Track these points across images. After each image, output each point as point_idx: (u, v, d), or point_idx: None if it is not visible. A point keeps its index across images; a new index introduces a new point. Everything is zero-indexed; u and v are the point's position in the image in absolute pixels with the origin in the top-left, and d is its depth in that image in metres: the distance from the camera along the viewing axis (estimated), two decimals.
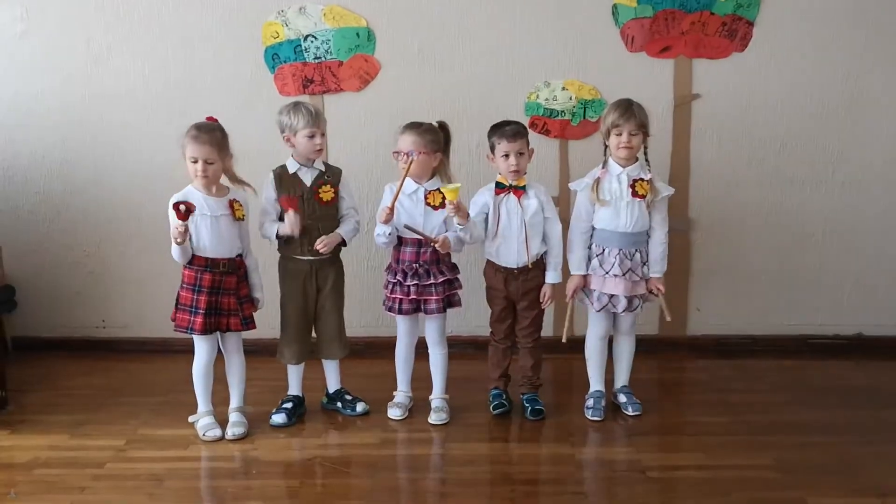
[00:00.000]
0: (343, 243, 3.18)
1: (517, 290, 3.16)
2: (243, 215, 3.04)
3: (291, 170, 3.11)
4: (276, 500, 2.63)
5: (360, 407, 3.25)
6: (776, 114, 3.77)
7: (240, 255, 3.05)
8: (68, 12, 3.74)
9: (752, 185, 3.83)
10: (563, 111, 3.78)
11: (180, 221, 2.83)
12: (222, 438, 3.04)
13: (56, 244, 3.97)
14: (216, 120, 3.02)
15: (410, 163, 2.99)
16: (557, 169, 3.80)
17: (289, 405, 3.22)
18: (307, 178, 3.12)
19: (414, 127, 3.06)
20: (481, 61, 3.75)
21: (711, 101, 3.75)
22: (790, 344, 3.93)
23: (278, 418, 3.16)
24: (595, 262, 3.13)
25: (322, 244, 3.09)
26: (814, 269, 3.91)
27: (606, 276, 3.10)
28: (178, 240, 2.85)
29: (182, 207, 2.83)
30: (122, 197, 3.87)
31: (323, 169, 3.16)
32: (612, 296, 3.12)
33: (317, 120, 3.07)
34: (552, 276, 3.15)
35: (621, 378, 3.29)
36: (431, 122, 3.12)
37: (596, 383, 3.26)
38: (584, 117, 3.76)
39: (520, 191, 3.12)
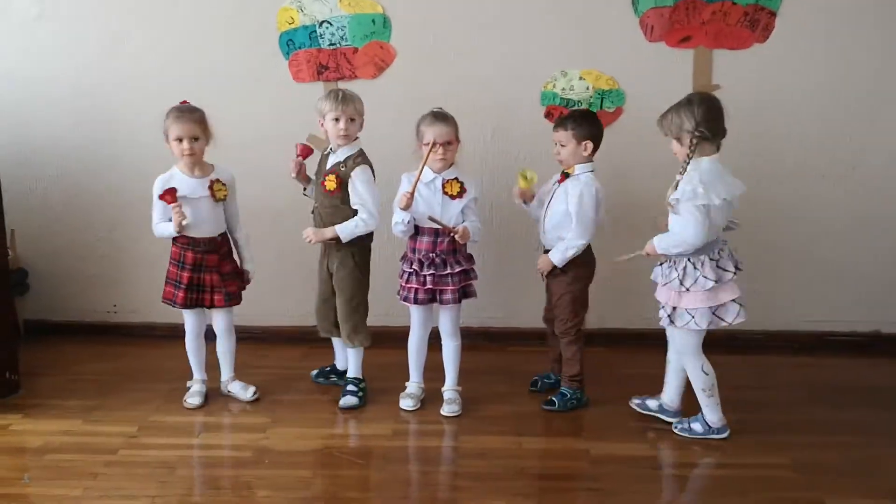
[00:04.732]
0: (339, 239, 3.14)
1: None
2: (225, 195, 3.12)
3: (327, 150, 3.20)
4: (287, 489, 2.62)
5: (344, 400, 3.22)
6: (797, 106, 3.71)
7: (223, 234, 3.15)
8: None
9: (771, 178, 3.77)
10: (579, 101, 3.73)
11: (172, 205, 3.00)
12: (201, 406, 3.22)
13: (69, 228, 3.96)
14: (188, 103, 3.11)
15: (431, 148, 3.00)
16: None
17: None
18: (329, 161, 3.15)
19: (442, 117, 3.06)
20: (497, 49, 3.70)
21: (731, 92, 3.67)
22: (806, 340, 3.88)
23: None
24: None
25: (307, 235, 3.17)
26: (832, 264, 3.85)
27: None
28: (180, 224, 3.01)
29: (167, 197, 2.99)
30: (136, 181, 3.84)
31: (341, 159, 3.12)
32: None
33: (340, 104, 3.06)
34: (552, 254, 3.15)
35: None
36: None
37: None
38: (602, 108, 3.71)
39: (564, 177, 3.15)
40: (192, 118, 3.03)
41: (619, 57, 3.68)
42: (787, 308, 3.89)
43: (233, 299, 3.19)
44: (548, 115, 3.71)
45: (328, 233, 3.13)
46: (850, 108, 3.71)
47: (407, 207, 3.00)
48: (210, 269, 3.13)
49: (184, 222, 3.01)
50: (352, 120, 3.08)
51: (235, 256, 3.28)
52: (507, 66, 3.71)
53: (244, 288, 3.27)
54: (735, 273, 2.83)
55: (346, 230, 3.12)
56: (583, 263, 3.17)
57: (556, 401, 3.18)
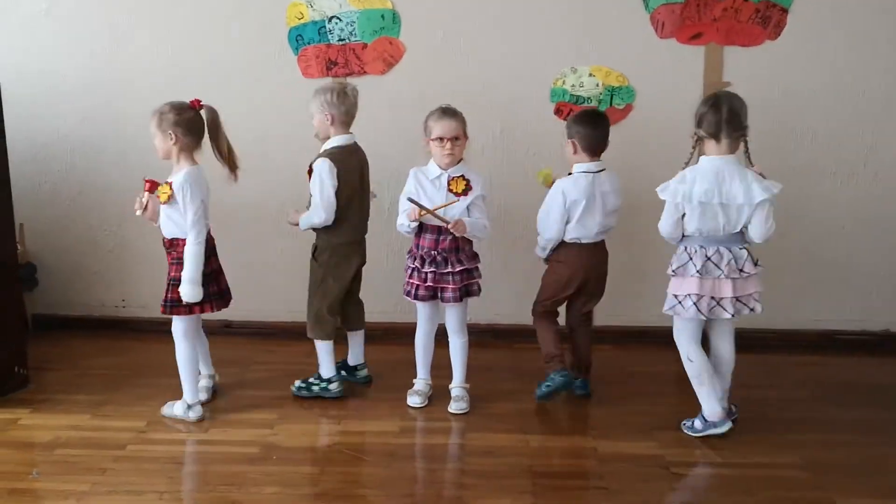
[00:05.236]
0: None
1: None
2: (165, 199, 2.93)
3: None
4: (294, 486, 2.62)
5: (316, 386, 3.27)
6: (808, 104, 3.69)
7: (173, 239, 3.00)
8: None
9: (782, 175, 3.70)
10: (589, 98, 3.71)
11: (145, 193, 3.00)
12: (208, 401, 3.21)
13: (77, 223, 3.97)
14: (198, 101, 3.00)
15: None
16: None
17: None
18: None
19: (450, 113, 3.05)
20: (507, 45, 3.69)
21: (742, 89, 3.61)
22: (815, 339, 3.87)
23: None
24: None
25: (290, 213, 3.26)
26: (842, 262, 3.83)
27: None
28: (137, 212, 3.01)
29: (146, 184, 2.99)
30: (144, 176, 3.85)
31: (320, 152, 3.16)
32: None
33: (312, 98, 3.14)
34: None
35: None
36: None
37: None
38: (611, 104, 3.70)
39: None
40: (153, 116, 2.94)
41: (629, 53, 3.66)
42: (796, 306, 3.87)
43: (163, 306, 2.99)
44: (557, 111, 3.70)
45: (295, 217, 3.23)
46: (861, 106, 3.69)
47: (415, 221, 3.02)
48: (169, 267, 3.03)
49: (137, 212, 3.01)
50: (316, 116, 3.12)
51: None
52: (516, 62, 3.70)
53: (181, 302, 2.96)
54: (700, 274, 2.82)
55: (303, 219, 3.19)
56: (561, 260, 3.21)
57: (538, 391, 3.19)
